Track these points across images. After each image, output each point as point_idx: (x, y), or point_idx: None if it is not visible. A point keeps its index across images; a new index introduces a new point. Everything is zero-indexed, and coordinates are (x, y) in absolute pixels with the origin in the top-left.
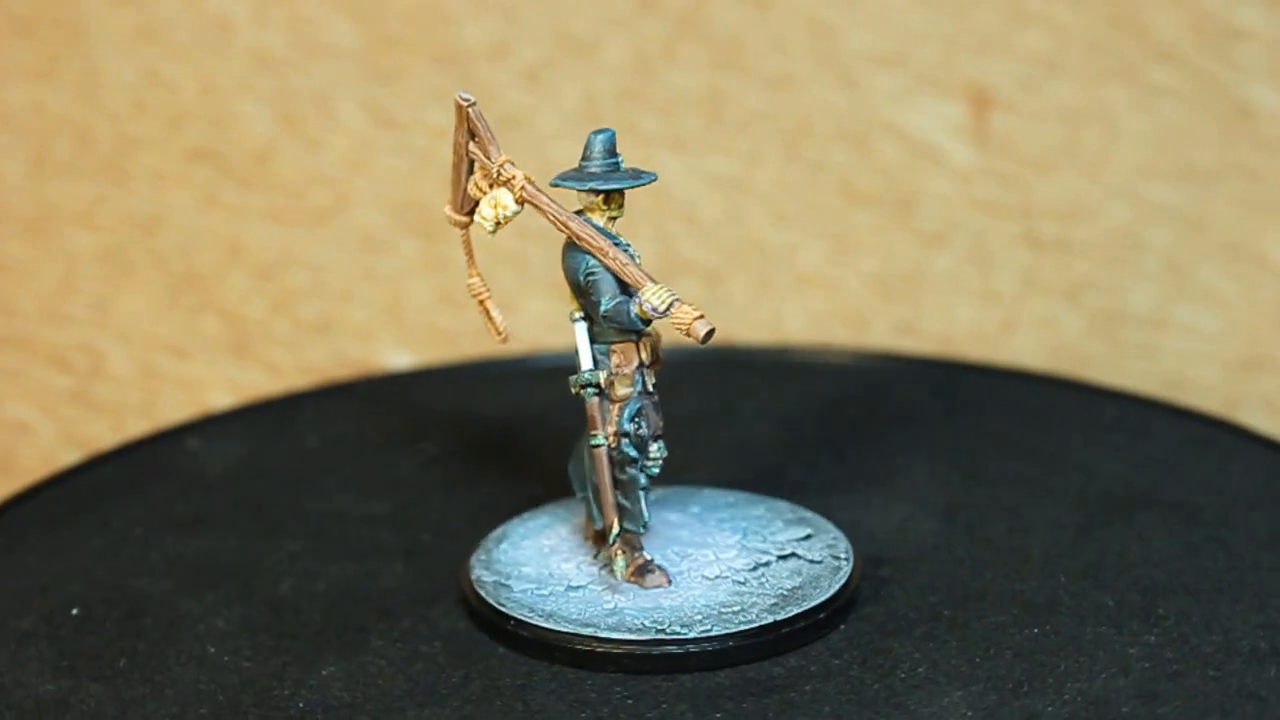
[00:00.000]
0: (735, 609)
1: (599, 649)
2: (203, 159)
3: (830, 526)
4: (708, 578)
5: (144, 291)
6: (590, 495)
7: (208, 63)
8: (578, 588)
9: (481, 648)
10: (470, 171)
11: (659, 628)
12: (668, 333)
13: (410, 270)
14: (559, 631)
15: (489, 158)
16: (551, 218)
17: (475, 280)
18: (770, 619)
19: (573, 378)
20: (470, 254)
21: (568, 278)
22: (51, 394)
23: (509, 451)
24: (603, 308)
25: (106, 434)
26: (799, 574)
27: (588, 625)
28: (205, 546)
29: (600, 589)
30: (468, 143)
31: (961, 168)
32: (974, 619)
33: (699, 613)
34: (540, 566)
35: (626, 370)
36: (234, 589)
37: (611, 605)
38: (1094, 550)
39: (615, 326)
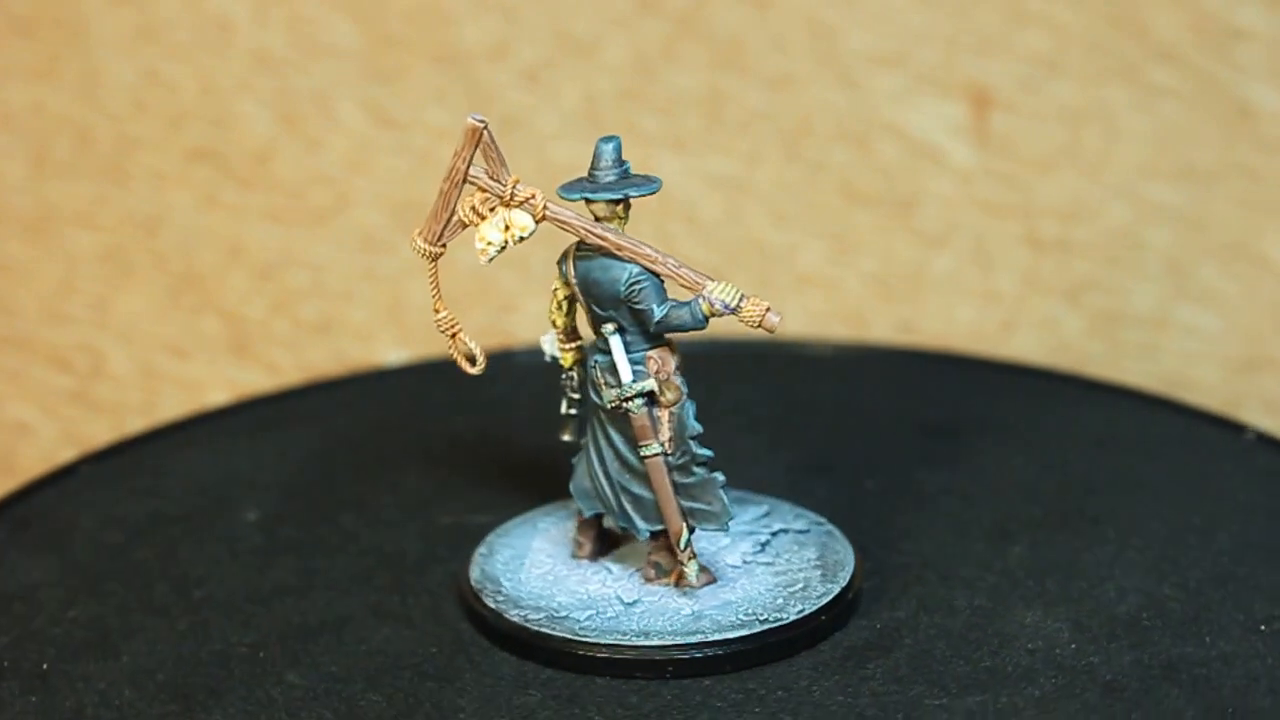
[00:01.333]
0: (738, 612)
1: (599, 654)
2: (203, 159)
3: (833, 528)
4: (618, 584)
5: (144, 291)
6: (626, 508)
7: (208, 63)
8: (579, 588)
9: (482, 648)
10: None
11: (660, 630)
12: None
13: (410, 270)
14: (559, 635)
15: (499, 180)
16: (583, 232)
17: (446, 314)
18: (775, 621)
19: (616, 391)
20: (438, 286)
21: (598, 291)
22: (51, 394)
23: (510, 451)
24: (657, 314)
25: (106, 434)
26: (801, 576)
27: (590, 628)
28: (207, 544)
29: (602, 590)
30: (469, 167)
31: (962, 168)
32: (974, 623)
33: (698, 615)
34: (541, 568)
35: (668, 375)
36: (229, 588)
37: (613, 608)
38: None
39: (669, 331)
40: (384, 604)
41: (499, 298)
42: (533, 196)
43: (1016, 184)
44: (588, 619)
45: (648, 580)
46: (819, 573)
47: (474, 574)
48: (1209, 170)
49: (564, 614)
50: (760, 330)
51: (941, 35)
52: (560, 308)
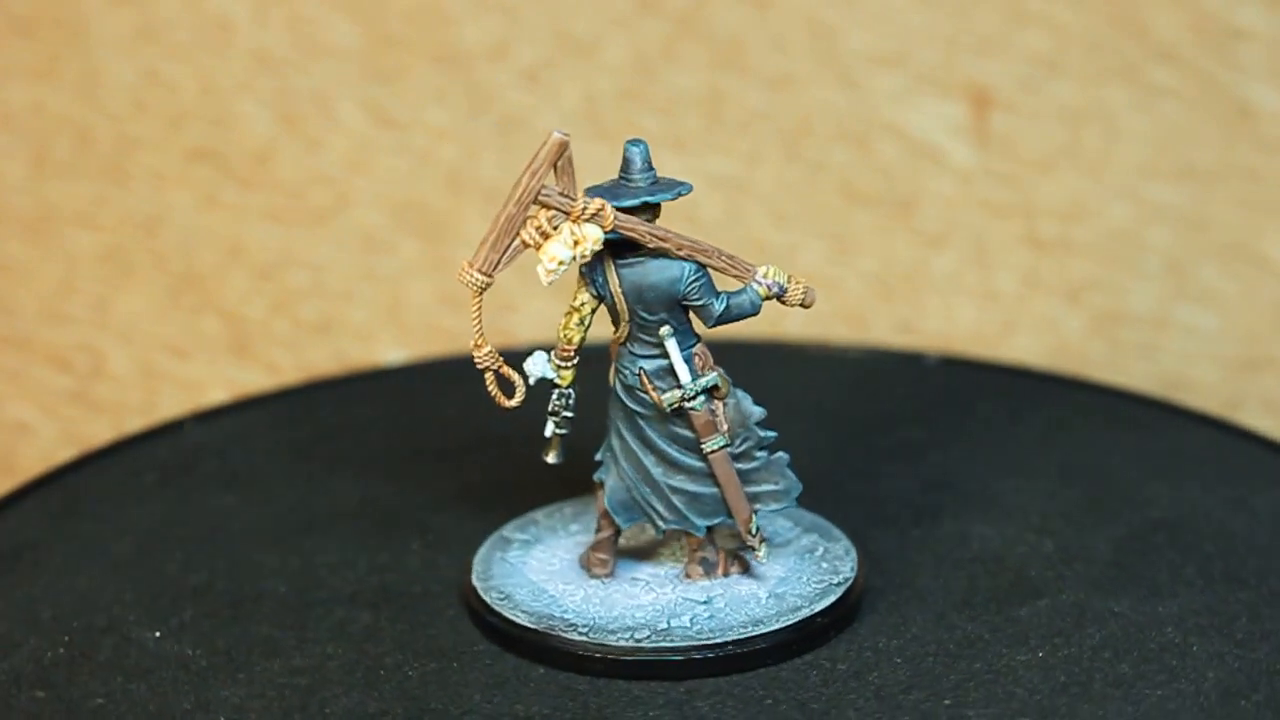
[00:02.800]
0: (741, 613)
1: (598, 654)
2: (203, 159)
3: (838, 532)
4: (672, 588)
5: (144, 291)
6: (680, 508)
7: (208, 63)
8: (580, 590)
9: (483, 649)
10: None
11: (660, 631)
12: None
13: (410, 270)
14: (560, 635)
15: (569, 195)
16: (648, 237)
17: (489, 349)
18: (779, 623)
19: (678, 392)
20: (481, 321)
21: (652, 295)
22: (51, 394)
23: (510, 451)
24: (718, 307)
25: (106, 434)
26: (804, 579)
27: (592, 629)
28: (202, 544)
29: (605, 592)
30: (541, 186)
31: (962, 168)
32: (974, 628)
33: (697, 617)
34: (543, 569)
35: (713, 368)
36: (228, 588)
37: (615, 609)
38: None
39: (730, 322)
40: (387, 602)
41: (499, 297)
42: (602, 208)
43: (1016, 184)
44: (593, 620)
45: (694, 577)
46: (822, 573)
47: (477, 574)
48: (1209, 170)
49: (567, 616)
50: (799, 308)
51: (941, 35)
52: (582, 324)
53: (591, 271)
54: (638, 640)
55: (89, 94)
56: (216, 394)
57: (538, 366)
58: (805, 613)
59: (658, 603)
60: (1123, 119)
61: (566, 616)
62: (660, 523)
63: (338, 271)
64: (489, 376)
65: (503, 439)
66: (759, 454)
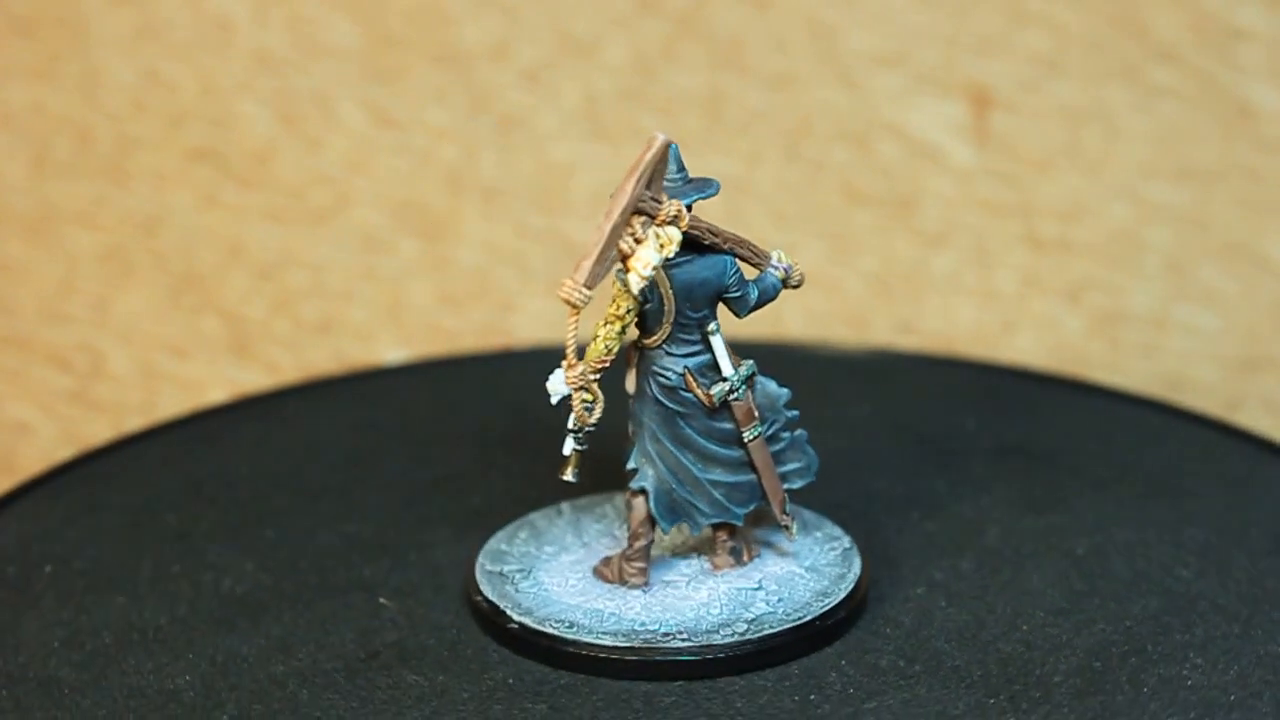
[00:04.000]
0: (745, 614)
1: (600, 654)
2: (203, 159)
3: (840, 532)
4: (714, 582)
5: (144, 291)
6: (720, 499)
7: (208, 63)
8: (583, 590)
9: (486, 649)
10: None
11: (663, 632)
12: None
13: (410, 270)
14: (562, 636)
15: (658, 198)
16: (706, 234)
17: (582, 368)
18: (784, 624)
19: (722, 386)
20: (576, 338)
21: (702, 293)
22: (51, 394)
23: (510, 452)
24: (753, 296)
25: (106, 434)
26: (810, 581)
27: (594, 630)
28: (201, 545)
29: (658, 596)
30: (641, 191)
31: (962, 167)
32: (975, 635)
33: (698, 618)
34: (546, 568)
35: (738, 359)
36: (231, 591)
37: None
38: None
39: (758, 309)
40: (388, 606)
41: (499, 297)
42: (680, 210)
43: (1016, 184)
44: (596, 621)
45: (723, 567)
46: (826, 574)
47: (480, 574)
48: (1209, 170)
49: (570, 617)
50: (793, 289)
51: (941, 35)
52: (623, 333)
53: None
54: (741, 634)
55: (89, 94)
56: (216, 394)
57: (557, 383)
58: (625, 640)
59: (721, 597)
60: (1123, 119)
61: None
62: (701, 519)
63: (338, 271)
64: (578, 396)
65: (505, 438)
66: (784, 435)
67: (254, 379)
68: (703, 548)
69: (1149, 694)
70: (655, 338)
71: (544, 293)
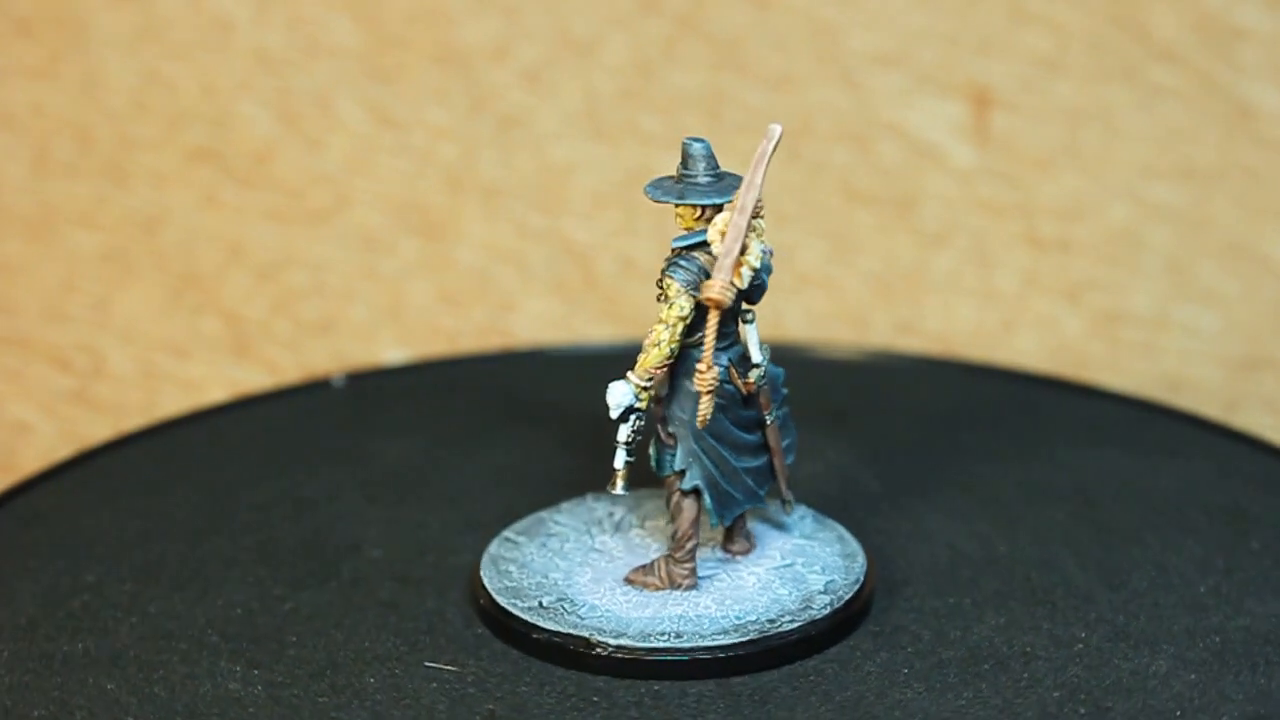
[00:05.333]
0: (747, 615)
1: (602, 653)
2: (203, 159)
3: (845, 532)
4: (717, 582)
5: (144, 291)
6: (752, 486)
7: (208, 63)
8: (586, 589)
9: (488, 648)
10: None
11: (766, 619)
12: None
13: (410, 270)
14: (565, 634)
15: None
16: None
17: (716, 370)
18: (787, 625)
19: (756, 373)
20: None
21: (758, 281)
22: (51, 394)
23: (511, 452)
24: (766, 282)
25: (107, 434)
26: (813, 581)
27: (596, 629)
28: (206, 543)
29: (672, 598)
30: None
31: (962, 167)
32: (975, 632)
33: (701, 619)
34: (549, 568)
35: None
36: (237, 591)
37: (586, 601)
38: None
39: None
40: (392, 602)
41: (499, 297)
42: (762, 200)
43: (1016, 184)
44: (599, 621)
45: (741, 552)
46: (830, 573)
47: (485, 573)
48: (1209, 170)
49: (573, 616)
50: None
51: (941, 35)
52: (684, 334)
53: (697, 274)
54: (814, 618)
55: (89, 94)
56: (217, 394)
57: (625, 396)
58: (626, 640)
59: (774, 587)
60: (1123, 119)
61: (756, 618)
62: (737, 509)
63: (338, 271)
64: (707, 400)
65: (505, 438)
66: (778, 412)
67: (254, 379)
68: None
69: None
70: (699, 335)
71: (544, 292)
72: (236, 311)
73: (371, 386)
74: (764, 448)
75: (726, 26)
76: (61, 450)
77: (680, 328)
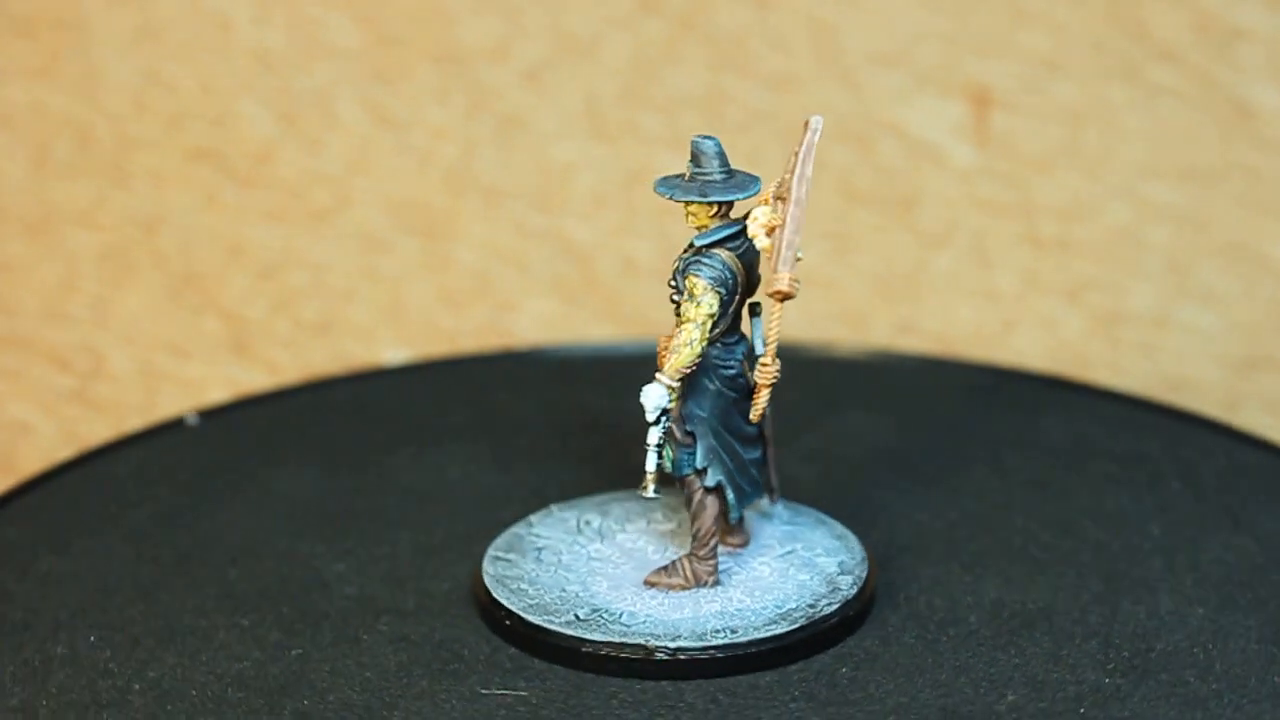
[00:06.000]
0: (786, 603)
1: (603, 652)
2: (203, 159)
3: (823, 515)
4: (735, 576)
5: (144, 291)
6: (756, 477)
7: (208, 63)
8: (612, 598)
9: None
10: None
11: (723, 629)
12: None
13: (410, 270)
14: (617, 643)
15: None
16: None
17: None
18: (826, 608)
19: (761, 363)
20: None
21: (755, 275)
22: (51, 394)
23: (510, 451)
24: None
25: (107, 434)
26: (825, 564)
27: (648, 635)
28: (207, 542)
29: (584, 579)
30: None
31: (962, 167)
32: (976, 631)
33: (744, 612)
34: (561, 582)
35: None
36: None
37: (621, 609)
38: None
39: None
40: (395, 602)
41: (499, 297)
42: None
43: (1016, 184)
44: (599, 619)
45: (740, 545)
46: (834, 554)
47: (488, 573)
48: (1209, 170)
49: (574, 615)
50: None
51: (941, 35)
52: (712, 330)
53: (722, 271)
54: (845, 598)
55: (89, 94)
56: (217, 394)
57: (661, 397)
58: (626, 640)
59: (793, 574)
60: (1123, 119)
61: (799, 605)
62: (748, 501)
63: (338, 271)
64: (766, 393)
65: (504, 438)
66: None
67: (254, 379)
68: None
69: (1162, 684)
70: (718, 330)
71: (544, 292)
72: (236, 311)
73: (373, 387)
74: (760, 438)
75: (726, 26)
76: (61, 450)
77: (709, 326)
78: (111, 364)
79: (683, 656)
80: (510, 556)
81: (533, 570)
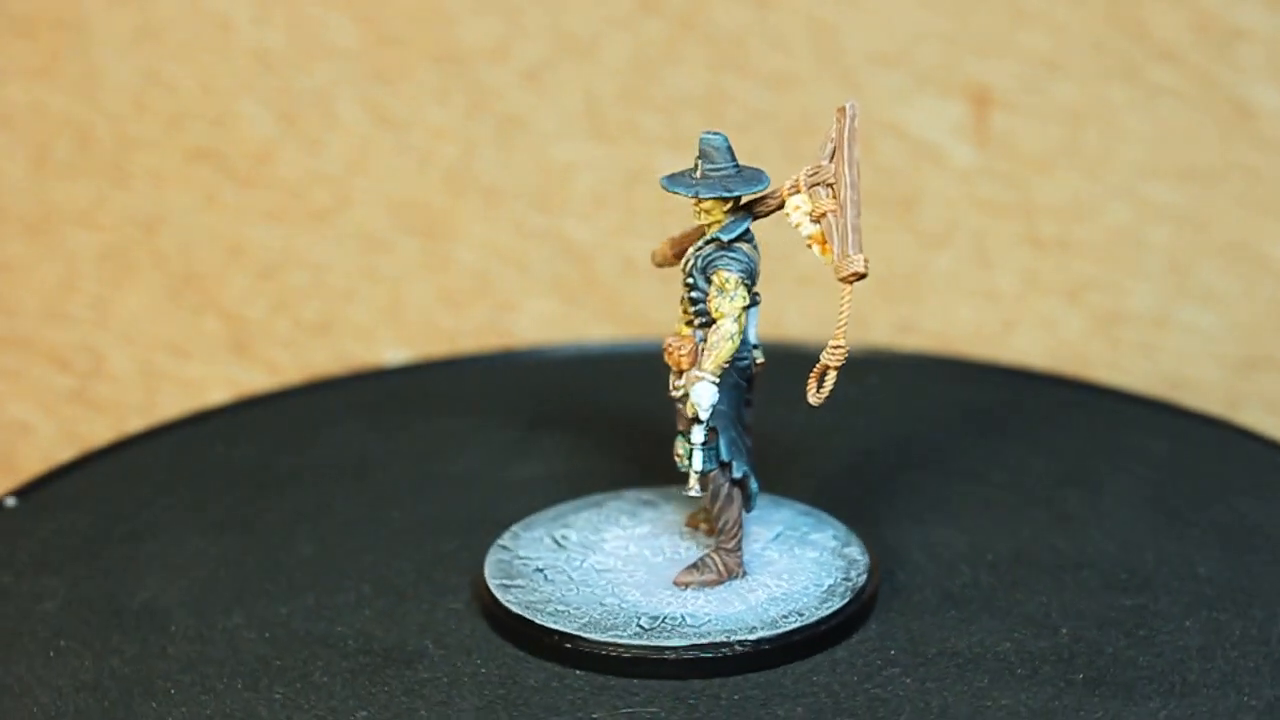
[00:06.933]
0: (824, 580)
1: (602, 651)
2: (203, 159)
3: (848, 532)
4: (750, 562)
5: (144, 291)
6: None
7: (208, 63)
8: (655, 603)
9: (492, 646)
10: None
11: (790, 613)
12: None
13: (410, 270)
14: (701, 644)
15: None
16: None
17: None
18: (791, 624)
19: (758, 353)
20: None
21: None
22: (51, 394)
23: (512, 451)
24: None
25: (106, 433)
26: (824, 541)
27: (726, 630)
28: (217, 545)
29: (613, 590)
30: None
31: (962, 167)
32: (978, 629)
33: (793, 596)
34: (592, 598)
35: None
36: (248, 589)
37: (677, 612)
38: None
39: None
40: (396, 602)
41: (499, 297)
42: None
43: (1016, 184)
44: (599, 618)
45: (708, 534)
46: (825, 528)
47: (489, 572)
48: (1209, 170)
49: (576, 614)
50: None
51: (941, 35)
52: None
53: (749, 263)
54: (868, 571)
55: (89, 94)
56: (217, 394)
57: (714, 394)
58: (626, 638)
59: (804, 554)
60: (1123, 119)
61: (827, 586)
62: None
63: (338, 271)
64: (834, 375)
65: (507, 437)
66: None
67: (254, 379)
68: (689, 519)
69: (1147, 681)
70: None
71: (544, 292)
72: (236, 311)
73: (372, 387)
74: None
75: (726, 26)
76: (61, 450)
77: (744, 317)
78: (111, 364)
79: (766, 646)
80: (519, 583)
81: (554, 591)
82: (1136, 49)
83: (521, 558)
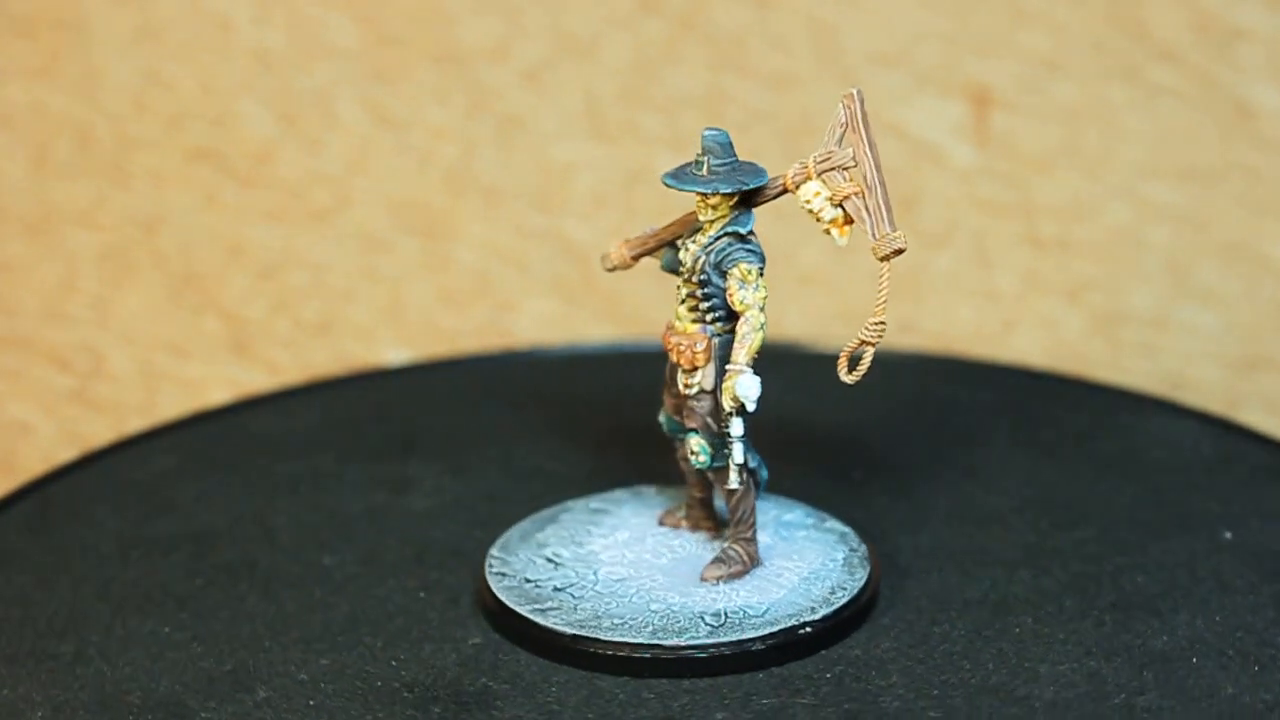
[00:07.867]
0: (752, 612)
1: (603, 650)
2: (203, 159)
3: (850, 532)
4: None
5: (144, 291)
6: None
7: (208, 63)
8: (666, 603)
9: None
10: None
11: (795, 612)
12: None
13: (410, 270)
14: (777, 631)
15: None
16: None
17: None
18: (840, 599)
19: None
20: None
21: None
22: (51, 394)
23: (511, 451)
24: None
25: (107, 434)
26: (826, 526)
27: (667, 632)
28: (214, 541)
29: (651, 596)
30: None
31: (962, 167)
32: (978, 629)
33: (824, 575)
34: (638, 607)
35: None
36: (252, 586)
37: (735, 606)
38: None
39: None
40: (398, 603)
41: (499, 297)
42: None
43: (1016, 184)
44: (599, 617)
45: (676, 525)
46: (824, 516)
47: (491, 572)
48: (1209, 170)
49: (575, 613)
50: None
51: (941, 35)
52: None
53: (762, 254)
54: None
55: (89, 94)
56: (217, 394)
57: (757, 385)
58: (625, 637)
59: (809, 540)
60: (1123, 119)
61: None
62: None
63: (338, 271)
64: (871, 352)
65: (506, 438)
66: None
67: (254, 379)
68: (665, 518)
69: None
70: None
71: (544, 292)
72: (236, 311)
73: (373, 387)
74: None
75: (726, 26)
76: (61, 450)
77: (765, 308)
78: (111, 364)
79: (831, 622)
80: (550, 605)
81: (593, 606)
82: (1136, 49)
83: (530, 580)
